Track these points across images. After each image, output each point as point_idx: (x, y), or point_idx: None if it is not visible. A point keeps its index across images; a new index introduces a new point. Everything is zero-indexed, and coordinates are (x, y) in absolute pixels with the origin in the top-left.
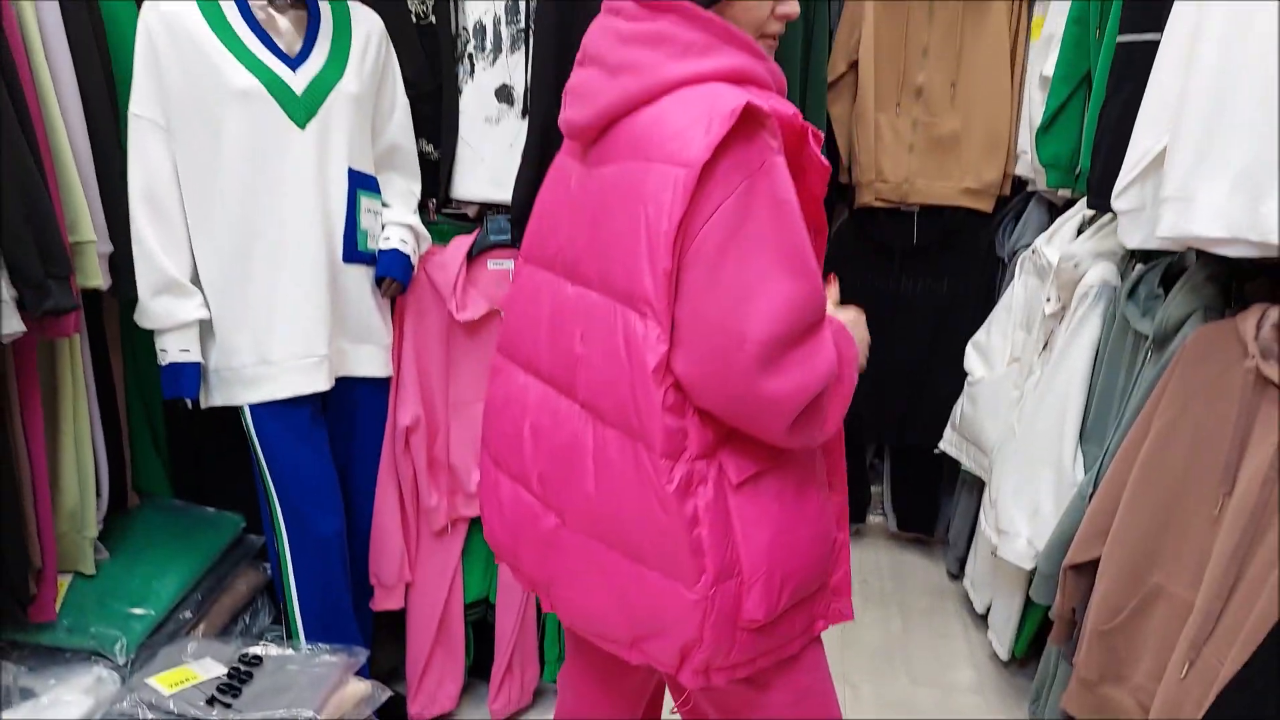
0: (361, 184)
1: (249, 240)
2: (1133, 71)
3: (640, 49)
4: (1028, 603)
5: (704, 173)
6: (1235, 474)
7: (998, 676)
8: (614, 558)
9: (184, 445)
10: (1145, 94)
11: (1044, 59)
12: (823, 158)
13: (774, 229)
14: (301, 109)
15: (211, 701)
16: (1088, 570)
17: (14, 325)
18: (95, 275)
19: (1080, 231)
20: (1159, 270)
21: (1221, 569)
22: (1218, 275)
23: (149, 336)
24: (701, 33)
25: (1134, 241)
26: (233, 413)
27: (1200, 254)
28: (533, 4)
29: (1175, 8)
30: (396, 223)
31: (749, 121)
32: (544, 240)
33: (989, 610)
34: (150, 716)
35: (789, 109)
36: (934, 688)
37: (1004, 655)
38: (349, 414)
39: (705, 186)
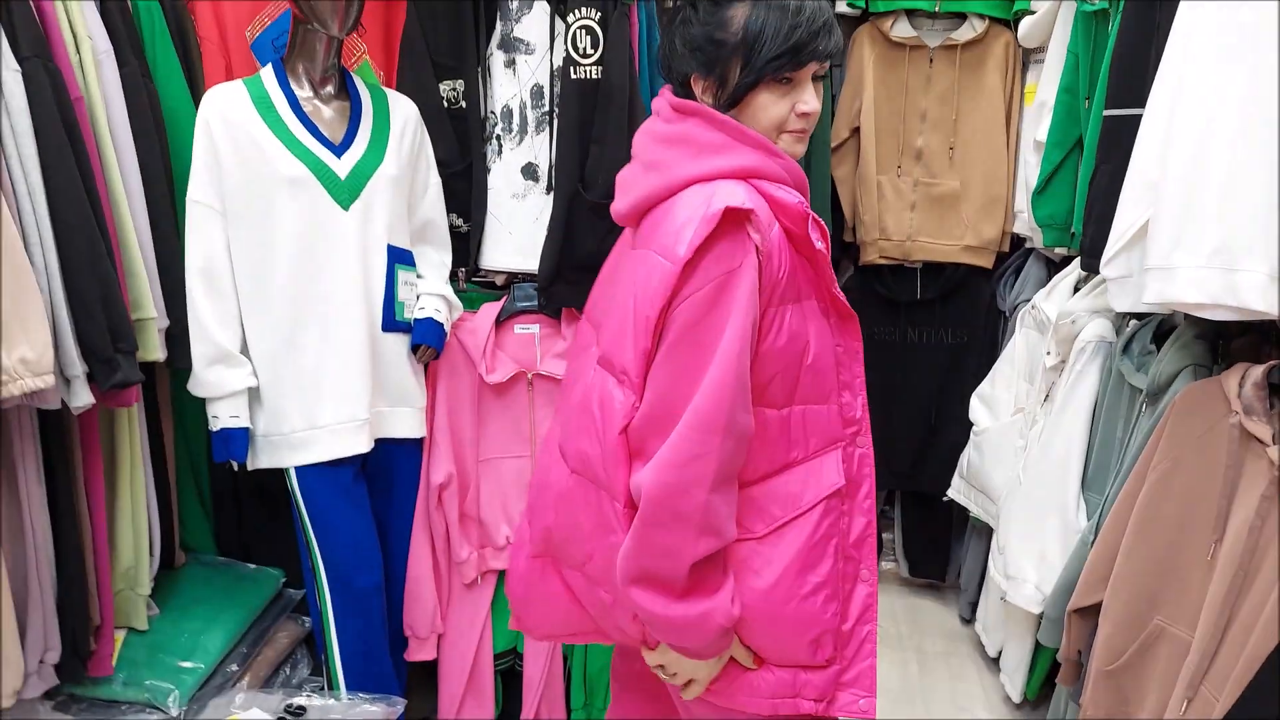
0: (399, 258)
1: (298, 313)
2: (1119, 143)
3: (666, 148)
4: (1038, 646)
5: (685, 268)
6: (1225, 522)
7: (1011, 718)
8: (566, 571)
9: (226, 503)
10: (1129, 169)
11: (1037, 124)
12: (819, 245)
13: (726, 326)
14: (346, 192)
15: None
16: (1091, 614)
17: (85, 398)
18: (155, 349)
19: (1076, 288)
20: (1151, 327)
21: (1215, 611)
22: (1205, 334)
23: (196, 402)
24: (718, 133)
25: (1123, 306)
26: (272, 472)
27: (1188, 315)
28: (556, 90)
29: (1154, 90)
30: (431, 293)
31: (731, 221)
32: (595, 301)
33: (1001, 654)
34: None
35: (793, 198)
36: None
37: (1016, 697)
38: (386, 473)
39: (686, 279)
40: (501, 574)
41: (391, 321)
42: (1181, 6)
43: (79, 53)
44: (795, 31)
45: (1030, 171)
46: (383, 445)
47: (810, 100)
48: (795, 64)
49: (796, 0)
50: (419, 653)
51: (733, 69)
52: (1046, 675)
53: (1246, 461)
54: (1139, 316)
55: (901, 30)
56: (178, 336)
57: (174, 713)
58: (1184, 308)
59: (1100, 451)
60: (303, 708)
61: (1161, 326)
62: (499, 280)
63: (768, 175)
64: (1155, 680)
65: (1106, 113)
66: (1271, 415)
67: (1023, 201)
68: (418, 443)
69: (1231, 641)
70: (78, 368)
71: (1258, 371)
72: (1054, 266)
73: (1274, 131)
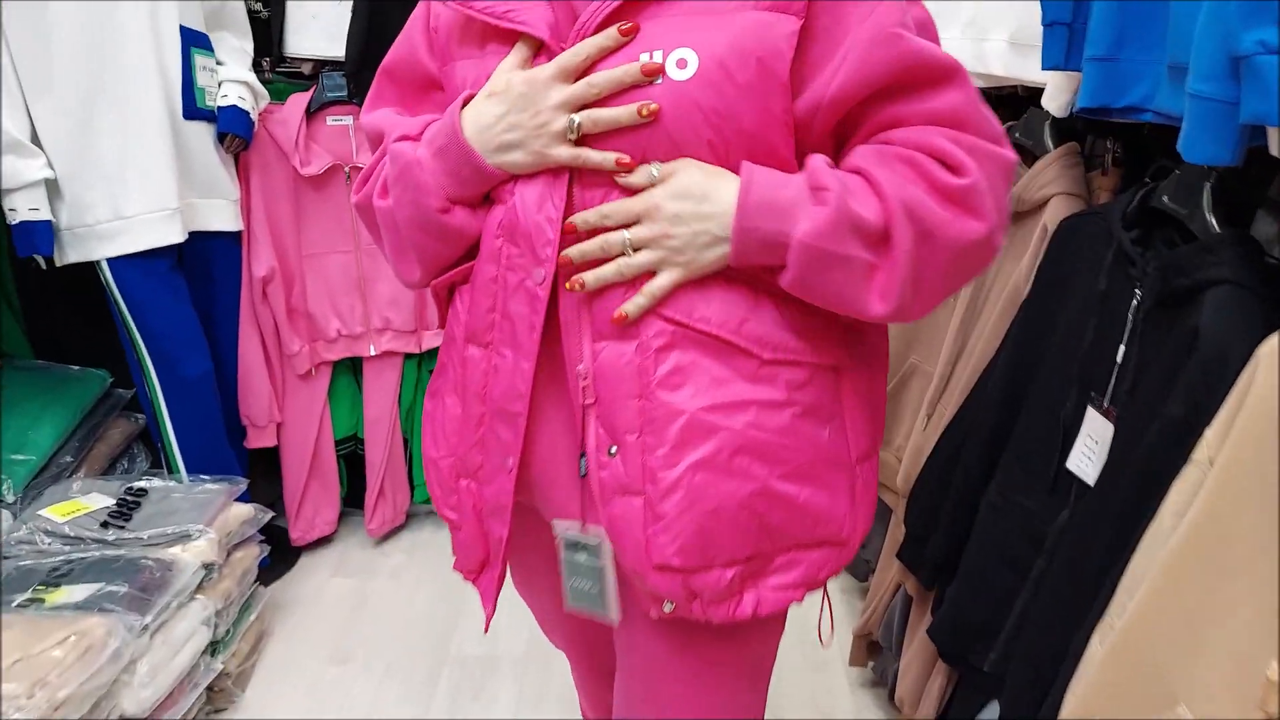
0: (194, 41)
1: (90, 98)
2: None
3: None
4: None
5: None
6: None
7: None
8: None
9: (41, 310)
10: None
11: None
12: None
13: None
14: None
15: (105, 525)
16: None
17: None
18: None
19: None
20: None
21: (951, 342)
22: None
23: None
24: None
25: None
26: (87, 276)
27: None
28: None
29: None
30: (232, 80)
31: None
32: None
33: None
34: (48, 542)
35: None
36: None
37: None
38: (205, 266)
39: None
40: (337, 364)
41: (193, 109)
42: None
43: None
44: None
45: None
46: (198, 239)
47: None
48: None
49: None
50: (259, 440)
51: None
52: None
53: None
54: None
55: None
56: None
57: (9, 500)
58: None
59: None
60: (144, 490)
61: None
62: (306, 69)
63: None
64: (909, 409)
65: None
66: None
67: None
68: (234, 236)
69: (962, 365)
70: None
71: None
72: None
73: None
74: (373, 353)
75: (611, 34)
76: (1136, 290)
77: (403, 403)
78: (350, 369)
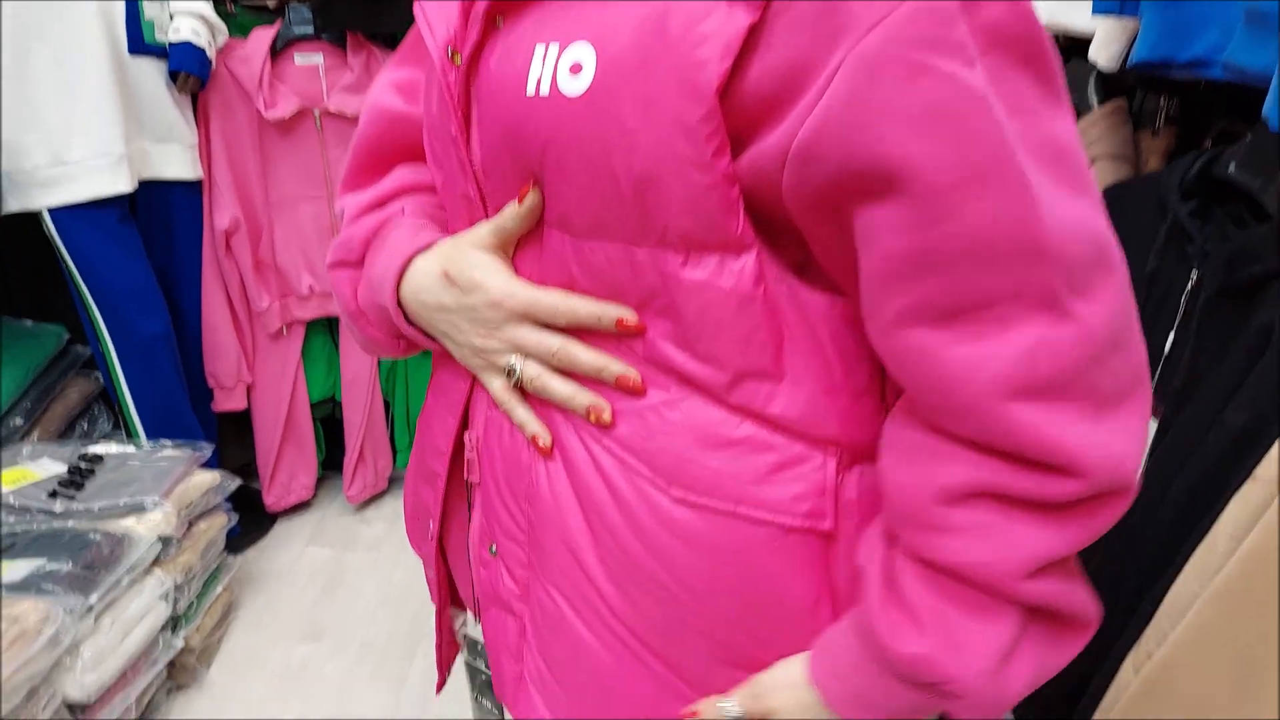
0: None
1: (25, 35)
2: None
3: None
4: None
5: None
6: None
7: None
8: None
9: None
10: None
11: None
12: None
13: None
14: None
15: (54, 495)
16: None
17: None
18: None
19: None
20: None
21: None
22: None
23: None
24: None
25: None
26: (35, 226)
27: None
28: None
29: None
30: (186, 12)
31: None
32: None
33: None
34: None
35: None
36: None
37: None
38: (162, 217)
39: None
40: (310, 324)
41: (140, 43)
42: None
43: None
44: None
45: None
46: (153, 188)
47: None
48: None
49: None
50: (226, 402)
51: None
52: None
53: None
54: None
55: None
56: None
57: None
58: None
59: None
60: (99, 456)
61: None
62: (271, 2)
63: None
64: None
65: None
66: None
67: None
68: (193, 185)
69: None
70: None
71: None
72: None
73: None
74: None
75: (610, 319)
76: (1193, 272)
77: (382, 363)
78: (326, 328)
